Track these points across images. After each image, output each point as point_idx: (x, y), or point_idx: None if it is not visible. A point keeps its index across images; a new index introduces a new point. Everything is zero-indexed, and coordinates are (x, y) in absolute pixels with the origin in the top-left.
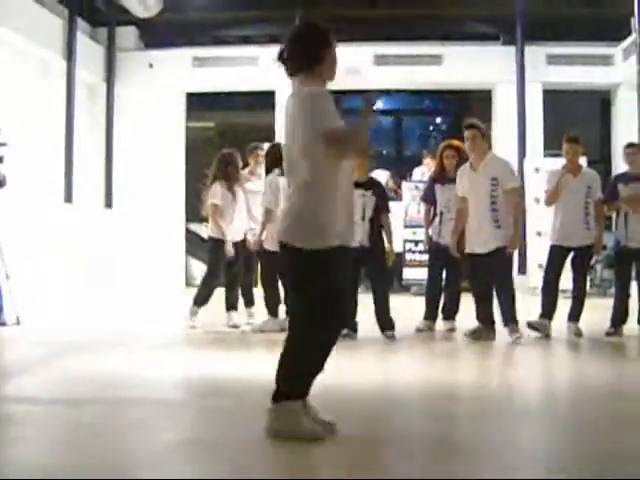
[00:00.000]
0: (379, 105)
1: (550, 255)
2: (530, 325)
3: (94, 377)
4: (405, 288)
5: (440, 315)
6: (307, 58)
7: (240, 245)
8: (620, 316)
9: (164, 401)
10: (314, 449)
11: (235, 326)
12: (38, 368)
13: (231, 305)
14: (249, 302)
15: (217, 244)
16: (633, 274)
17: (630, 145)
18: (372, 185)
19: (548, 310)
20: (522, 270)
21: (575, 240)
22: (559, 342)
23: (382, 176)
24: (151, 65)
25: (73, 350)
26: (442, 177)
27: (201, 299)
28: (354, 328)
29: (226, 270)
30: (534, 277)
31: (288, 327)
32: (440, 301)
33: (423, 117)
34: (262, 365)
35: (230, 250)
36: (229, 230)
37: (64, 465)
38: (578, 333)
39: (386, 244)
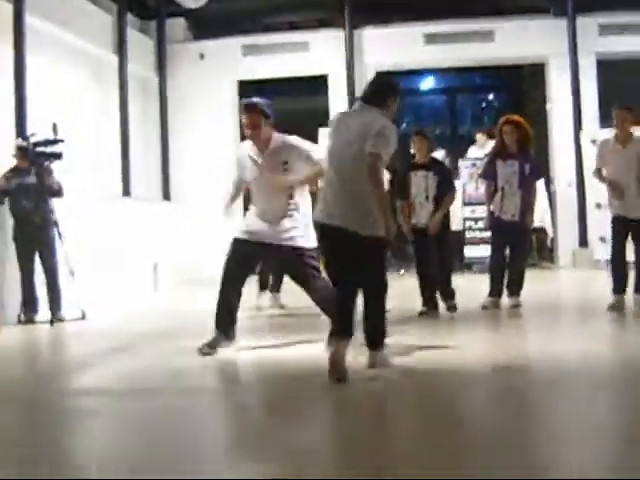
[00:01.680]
0: (430, 84)
1: (612, 228)
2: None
3: (164, 367)
4: (467, 266)
5: (505, 292)
6: (384, 102)
7: None
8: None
9: (232, 390)
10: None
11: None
12: (107, 361)
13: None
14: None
15: None
16: None
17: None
18: (433, 165)
19: (619, 284)
20: (584, 243)
21: (631, 211)
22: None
23: (438, 155)
24: (202, 56)
25: (142, 341)
26: (503, 153)
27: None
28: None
29: None
30: (596, 250)
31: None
32: (504, 277)
33: (475, 94)
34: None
35: None
36: None
37: (139, 454)
38: None
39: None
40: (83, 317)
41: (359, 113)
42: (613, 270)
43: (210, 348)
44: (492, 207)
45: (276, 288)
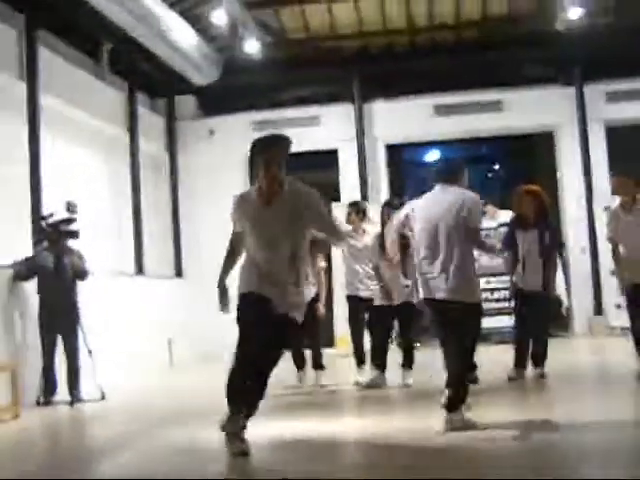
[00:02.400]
0: (438, 155)
1: (626, 297)
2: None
3: (192, 449)
4: (484, 337)
5: (530, 362)
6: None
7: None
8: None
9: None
10: None
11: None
12: (128, 446)
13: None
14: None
15: None
16: None
17: None
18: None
19: None
20: (599, 311)
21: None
22: None
23: None
24: (212, 132)
25: (161, 420)
26: (523, 222)
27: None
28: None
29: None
30: (612, 317)
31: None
32: (529, 348)
33: (483, 165)
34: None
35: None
36: None
37: None
38: None
39: None
40: (103, 397)
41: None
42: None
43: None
44: (514, 278)
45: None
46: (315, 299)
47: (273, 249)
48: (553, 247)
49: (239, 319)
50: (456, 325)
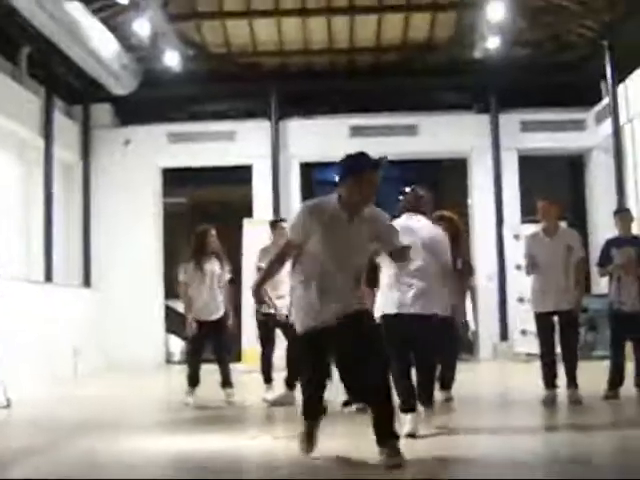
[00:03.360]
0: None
1: (538, 323)
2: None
3: (96, 459)
4: None
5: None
6: None
7: (211, 323)
8: (617, 378)
9: None
10: None
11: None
12: (37, 453)
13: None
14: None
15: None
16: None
17: (620, 210)
18: None
19: (551, 379)
20: (504, 336)
21: (559, 304)
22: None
23: None
24: (127, 141)
25: (68, 432)
26: None
27: (189, 379)
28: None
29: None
30: (517, 343)
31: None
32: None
33: (394, 187)
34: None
35: (189, 329)
36: (195, 308)
37: None
38: (578, 399)
39: None
40: (8, 405)
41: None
42: (543, 365)
43: None
44: None
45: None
46: (226, 315)
47: (343, 265)
48: (464, 273)
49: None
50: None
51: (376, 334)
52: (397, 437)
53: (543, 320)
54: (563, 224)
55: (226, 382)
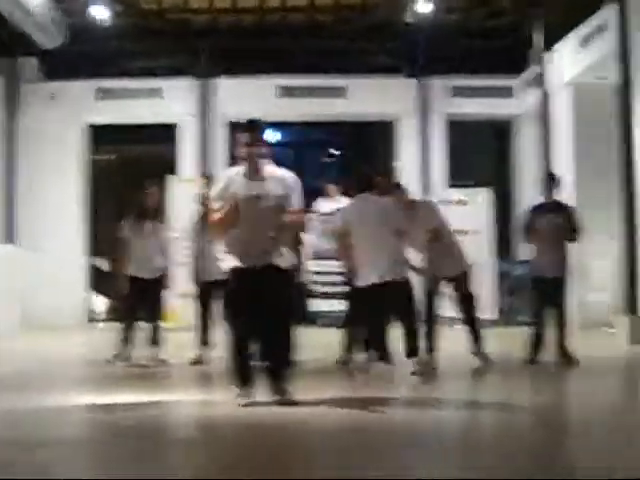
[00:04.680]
0: (278, 137)
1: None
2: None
3: (14, 417)
4: (312, 320)
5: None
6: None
7: (149, 281)
8: (537, 345)
9: (80, 441)
10: None
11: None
12: None
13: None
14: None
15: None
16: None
17: (546, 176)
18: None
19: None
20: None
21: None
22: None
23: None
24: (53, 96)
25: None
26: None
27: (122, 337)
28: None
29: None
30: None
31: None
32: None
33: (320, 149)
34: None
35: (120, 286)
36: (134, 265)
37: None
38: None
39: None
40: None
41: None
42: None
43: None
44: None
45: None
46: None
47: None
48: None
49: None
50: None
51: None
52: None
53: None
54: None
55: (155, 341)
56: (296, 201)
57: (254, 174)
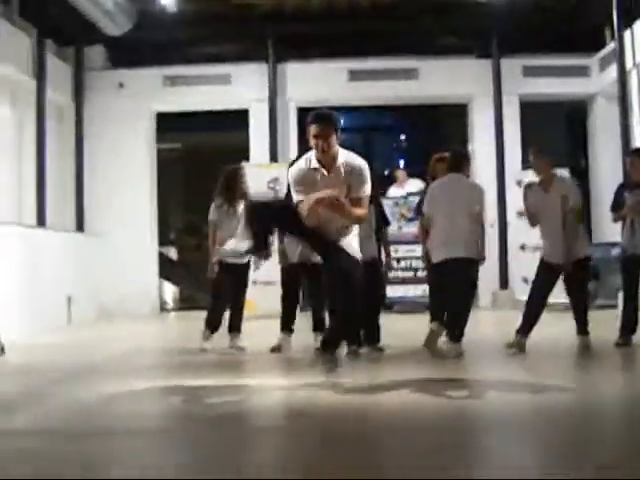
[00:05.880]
0: (349, 121)
1: (539, 270)
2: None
3: (92, 407)
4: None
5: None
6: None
7: (237, 267)
8: (630, 325)
9: (165, 431)
10: None
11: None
12: (34, 399)
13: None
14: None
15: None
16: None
17: (633, 152)
18: None
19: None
20: (504, 284)
21: (559, 256)
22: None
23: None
24: (121, 85)
25: (66, 379)
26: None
27: (208, 323)
28: None
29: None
30: (518, 291)
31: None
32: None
33: (392, 133)
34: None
35: (210, 271)
36: (223, 250)
37: None
38: (586, 345)
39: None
40: (2, 351)
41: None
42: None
43: None
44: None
45: None
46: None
47: None
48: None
49: None
50: None
51: None
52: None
53: (545, 269)
54: (561, 173)
55: (236, 327)
56: (366, 189)
57: (328, 167)
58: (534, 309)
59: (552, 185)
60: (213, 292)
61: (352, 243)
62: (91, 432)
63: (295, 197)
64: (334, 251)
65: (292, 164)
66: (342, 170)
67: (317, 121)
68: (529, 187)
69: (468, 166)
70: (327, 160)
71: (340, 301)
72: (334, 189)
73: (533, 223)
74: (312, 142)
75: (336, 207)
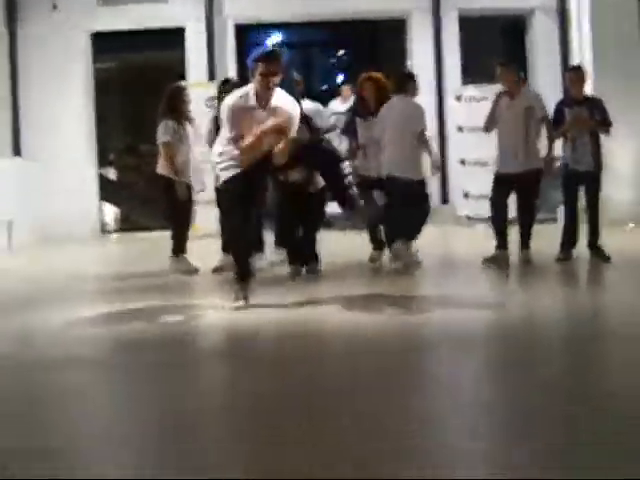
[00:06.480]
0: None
1: (495, 185)
2: (487, 261)
3: (39, 335)
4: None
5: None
6: None
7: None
8: (570, 240)
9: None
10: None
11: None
12: None
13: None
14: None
15: (169, 183)
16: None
17: (572, 69)
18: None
19: (502, 240)
20: (445, 200)
21: (517, 167)
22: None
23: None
24: (55, 6)
25: (10, 305)
26: (363, 110)
27: (177, 244)
28: None
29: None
30: (459, 206)
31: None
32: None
33: (329, 49)
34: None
35: (183, 192)
36: (182, 170)
37: None
38: (528, 259)
39: None
40: None
41: None
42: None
43: None
44: (356, 164)
45: None
46: None
47: None
48: None
49: None
50: None
51: None
52: None
53: (500, 181)
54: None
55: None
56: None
57: (265, 104)
58: (500, 223)
59: (518, 96)
60: (181, 213)
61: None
62: (37, 362)
63: (228, 131)
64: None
65: (222, 86)
66: (275, 109)
67: (267, 59)
68: (498, 96)
69: (414, 86)
70: (265, 98)
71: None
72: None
73: (488, 128)
74: (258, 79)
75: (281, 131)
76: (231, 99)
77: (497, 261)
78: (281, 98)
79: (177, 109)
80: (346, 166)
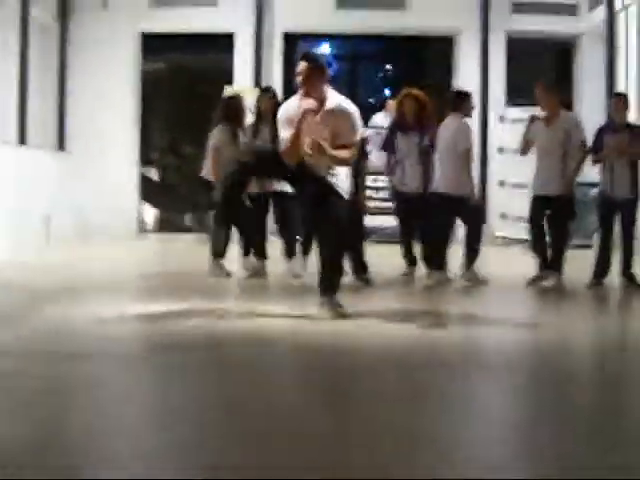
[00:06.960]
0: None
1: (530, 206)
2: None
3: (74, 329)
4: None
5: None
6: None
7: None
8: (602, 268)
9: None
10: None
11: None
12: (14, 319)
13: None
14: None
15: (212, 188)
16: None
17: (616, 95)
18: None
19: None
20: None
21: (550, 189)
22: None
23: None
24: (105, 4)
25: (44, 300)
26: (403, 125)
27: (214, 250)
28: None
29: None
30: (496, 227)
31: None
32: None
33: (376, 63)
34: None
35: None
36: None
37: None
38: (559, 285)
39: None
40: None
41: None
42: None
43: None
44: (393, 180)
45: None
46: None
47: None
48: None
49: None
50: None
51: None
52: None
53: (535, 204)
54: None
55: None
56: (355, 136)
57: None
58: (538, 245)
59: (556, 121)
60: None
61: (340, 182)
62: (70, 354)
63: (281, 134)
64: (323, 193)
65: (261, 94)
66: (330, 115)
67: (301, 59)
68: (532, 120)
69: (468, 105)
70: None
71: (328, 249)
72: (317, 132)
73: (524, 151)
74: (299, 80)
75: (317, 149)
76: (286, 102)
77: (540, 281)
78: (340, 104)
79: (235, 117)
80: (384, 181)
